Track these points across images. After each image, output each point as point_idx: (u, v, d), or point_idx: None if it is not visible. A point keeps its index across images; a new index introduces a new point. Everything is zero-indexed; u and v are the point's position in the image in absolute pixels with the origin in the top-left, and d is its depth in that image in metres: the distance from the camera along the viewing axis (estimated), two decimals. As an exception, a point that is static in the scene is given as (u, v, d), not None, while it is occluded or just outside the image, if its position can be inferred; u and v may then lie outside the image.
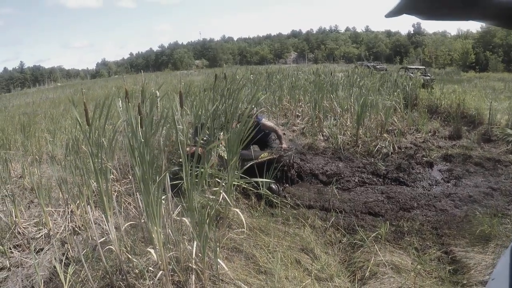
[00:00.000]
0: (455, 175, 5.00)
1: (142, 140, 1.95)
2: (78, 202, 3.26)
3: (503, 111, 8.39)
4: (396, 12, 0.58)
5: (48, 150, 5.02)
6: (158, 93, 2.35)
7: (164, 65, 74.60)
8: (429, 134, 7.27)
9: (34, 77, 69.94)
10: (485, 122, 7.72)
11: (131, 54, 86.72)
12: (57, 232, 3.12)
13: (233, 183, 3.15)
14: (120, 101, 2.45)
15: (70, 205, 3.30)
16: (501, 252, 2.87)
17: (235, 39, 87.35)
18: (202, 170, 2.32)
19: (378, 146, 6.07)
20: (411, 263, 2.75)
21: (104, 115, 2.18)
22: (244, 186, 3.63)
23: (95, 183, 2.68)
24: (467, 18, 0.58)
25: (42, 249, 2.92)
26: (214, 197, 2.54)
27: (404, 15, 0.59)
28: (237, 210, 2.87)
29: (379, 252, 2.86)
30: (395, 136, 6.60)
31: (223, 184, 2.95)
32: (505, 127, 6.91)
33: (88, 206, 2.75)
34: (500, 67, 40.49)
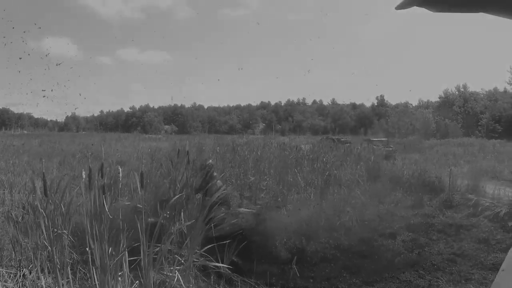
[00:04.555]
0: (418, 244, 5.38)
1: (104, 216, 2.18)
2: (31, 266, 3.25)
3: (463, 176, 9.25)
4: (407, 3, 0.60)
5: (5, 205, 4.92)
6: (121, 171, 2.64)
7: (133, 127, 75.53)
8: (392, 205, 7.79)
9: (1, 120, 68.38)
10: (446, 188, 8.47)
11: (101, 112, 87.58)
12: (7, 297, 3.06)
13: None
14: (83, 173, 2.68)
15: (23, 269, 3.28)
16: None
17: (205, 107, 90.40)
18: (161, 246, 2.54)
19: (341, 220, 6.41)
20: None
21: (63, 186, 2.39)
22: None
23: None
24: (480, 9, 0.58)
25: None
26: (171, 274, 2.71)
27: (415, 6, 0.61)
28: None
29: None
30: (358, 209, 7.03)
31: (183, 261, 3.12)
32: (465, 192, 7.60)
33: (42, 273, 2.78)
34: (459, 132, 44.73)
